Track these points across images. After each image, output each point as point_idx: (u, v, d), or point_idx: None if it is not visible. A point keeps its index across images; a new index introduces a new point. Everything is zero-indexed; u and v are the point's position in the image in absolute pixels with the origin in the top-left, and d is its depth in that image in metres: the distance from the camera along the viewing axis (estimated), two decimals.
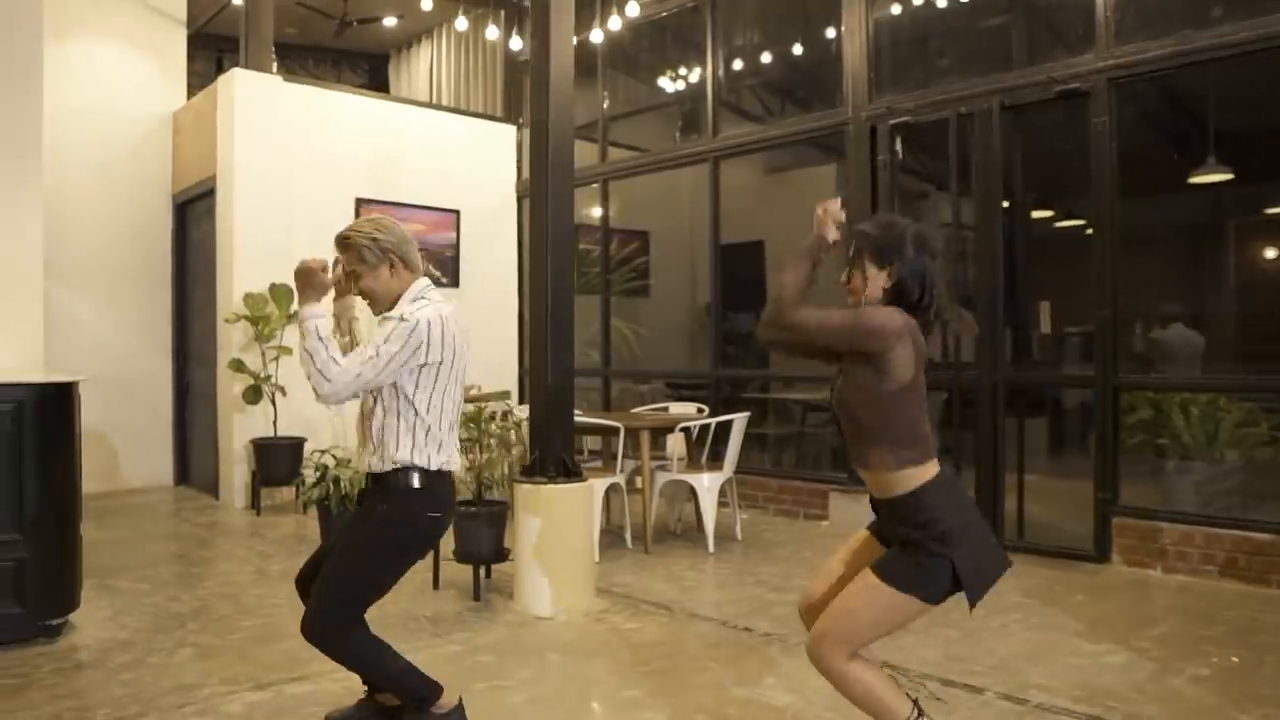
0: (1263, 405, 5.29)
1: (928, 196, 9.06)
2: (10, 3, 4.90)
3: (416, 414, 2.75)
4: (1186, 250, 7.83)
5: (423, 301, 2.81)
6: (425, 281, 2.89)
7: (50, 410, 3.90)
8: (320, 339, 2.68)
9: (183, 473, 8.12)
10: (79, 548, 4.09)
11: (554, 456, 4.40)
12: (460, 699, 2.93)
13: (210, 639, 3.91)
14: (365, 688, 3.03)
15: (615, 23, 7.01)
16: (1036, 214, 7.47)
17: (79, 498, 4.13)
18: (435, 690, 2.87)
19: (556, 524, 4.33)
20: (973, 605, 2.24)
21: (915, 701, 2.32)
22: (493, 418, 4.96)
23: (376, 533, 2.80)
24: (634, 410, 6.86)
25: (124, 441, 7.83)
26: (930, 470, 2.28)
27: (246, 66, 7.24)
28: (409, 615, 4.25)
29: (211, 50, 10.70)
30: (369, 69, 12.07)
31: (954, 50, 6.23)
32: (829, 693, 3.13)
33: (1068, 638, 3.89)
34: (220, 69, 10.92)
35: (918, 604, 2.25)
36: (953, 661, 3.59)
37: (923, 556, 2.23)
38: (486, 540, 4.58)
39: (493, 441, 4.84)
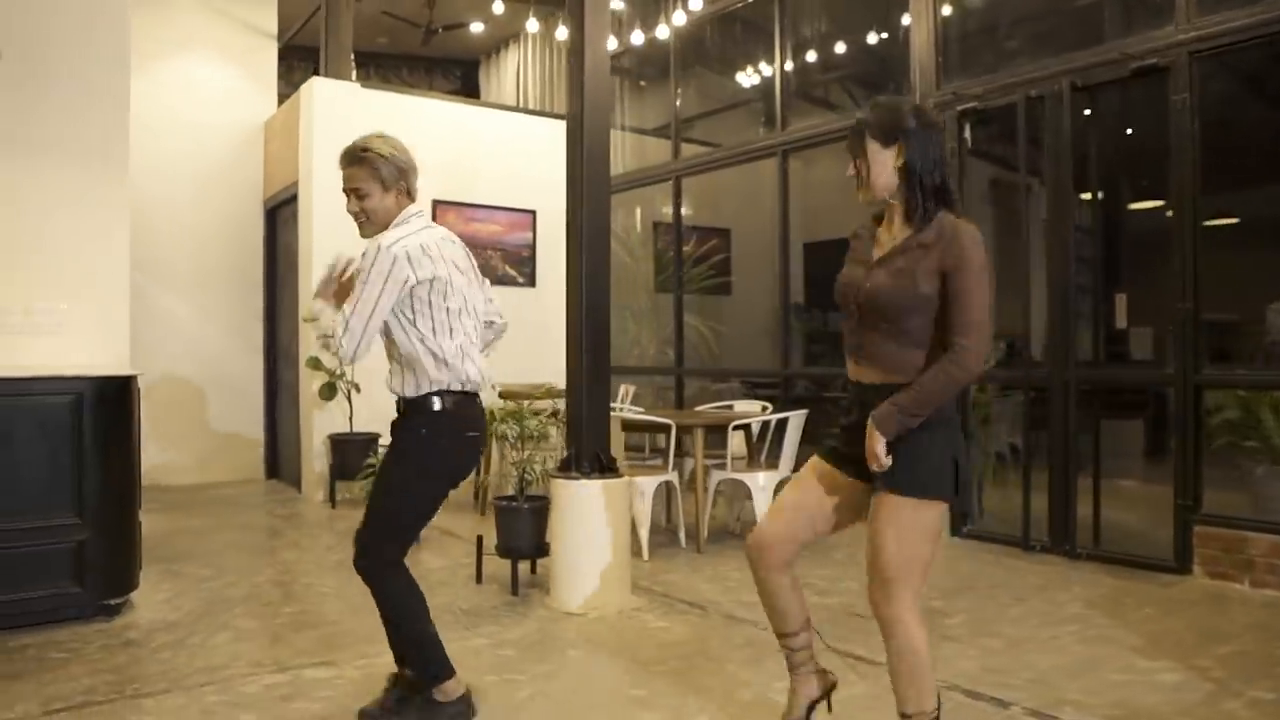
0: None
1: (1031, 190, 8.66)
2: (100, 33, 5.20)
3: (422, 339, 2.78)
4: None
5: (404, 227, 2.82)
6: (416, 208, 2.92)
7: (108, 402, 4.10)
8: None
9: (273, 467, 8.46)
10: (136, 532, 4.30)
11: (589, 453, 4.38)
12: (468, 690, 2.92)
13: (250, 623, 4.04)
14: (393, 671, 3.00)
15: (680, 18, 6.94)
16: (1134, 204, 7.04)
17: (137, 485, 4.34)
18: (447, 671, 2.88)
19: (591, 520, 4.30)
20: (964, 507, 2.26)
21: (940, 702, 2.31)
22: (536, 414, 4.96)
23: (402, 459, 2.86)
24: (697, 408, 6.77)
25: (219, 436, 8.22)
26: None
27: (325, 75, 7.49)
28: (446, 608, 4.29)
29: (309, 61, 11.16)
30: (461, 75, 12.37)
31: (1024, 30, 5.91)
32: (838, 700, 3.01)
33: (1121, 652, 3.62)
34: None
35: (942, 506, 2.24)
36: (988, 673, 3.38)
37: (929, 445, 2.19)
38: (527, 535, 4.60)
39: (534, 437, 4.84)
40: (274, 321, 8.43)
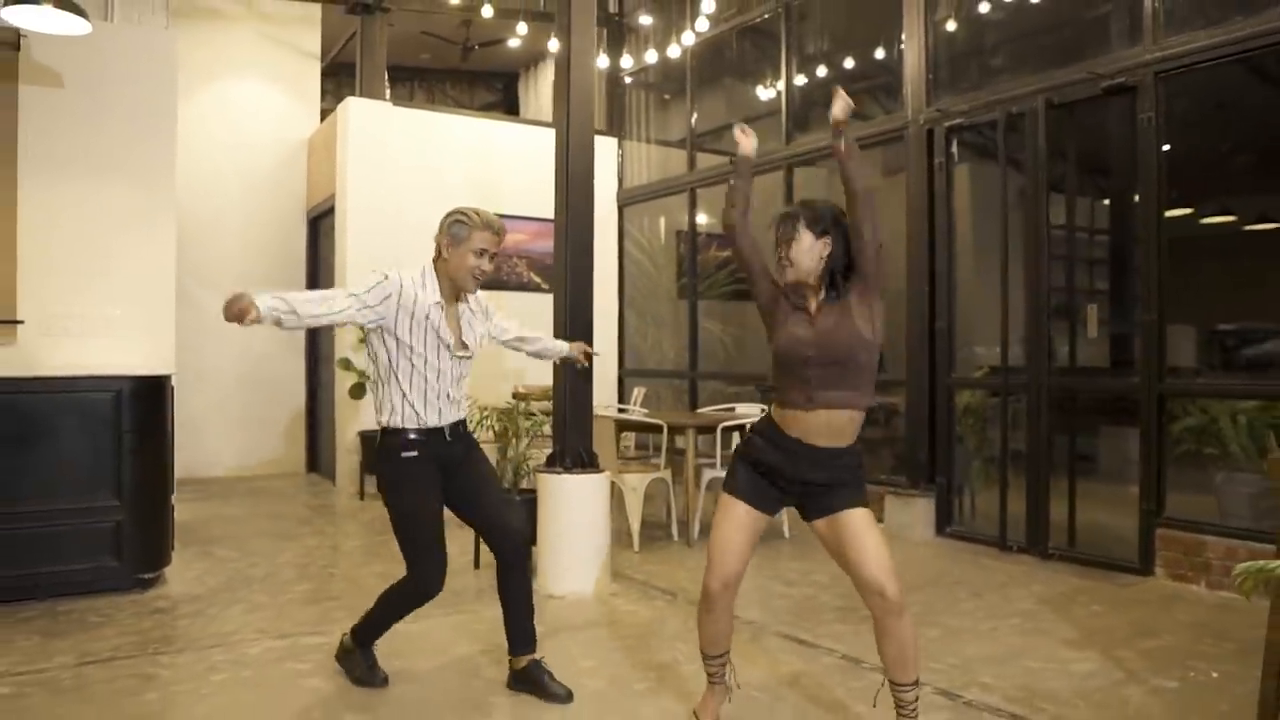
0: None
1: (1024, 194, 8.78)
2: (152, 67, 5.77)
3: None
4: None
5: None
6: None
7: (144, 399, 4.61)
8: None
9: (313, 461, 9.02)
10: (168, 515, 4.80)
11: (572, 449, 4.75)
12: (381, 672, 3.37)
13: (263, 598, 4.50)
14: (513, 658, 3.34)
15: (689, 38, 7.28)
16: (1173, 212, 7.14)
17: (170, 473, 4.85)
18: (372, 639, 3.38)
19: (574, 512, 4.68)
20: None
21: None
22: (530, 415, 5.33)
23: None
24: (699, 410, 7.09)
25: (263, 431, 8.80)
26: None
27: (361, 94, 8.00)
28: (449, 590, 4.66)
29: (351, 78, 11.75)
30: (502, 88, 12.84)
31: (1006, 49, 6.12)
32: (765, 678, 3.34)
33: (1049, 644, 3.87)
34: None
35: None
36: None
37: (858, 465, 2.67)
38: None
39: (526, 434, 5.22)
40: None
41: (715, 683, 2.89)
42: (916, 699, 2.64)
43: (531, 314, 8.62)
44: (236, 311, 2.76)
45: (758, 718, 3.08)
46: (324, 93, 9.54)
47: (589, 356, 4.12)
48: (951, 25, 6.22)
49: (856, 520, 2.59)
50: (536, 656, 3.31)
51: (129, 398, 4.55)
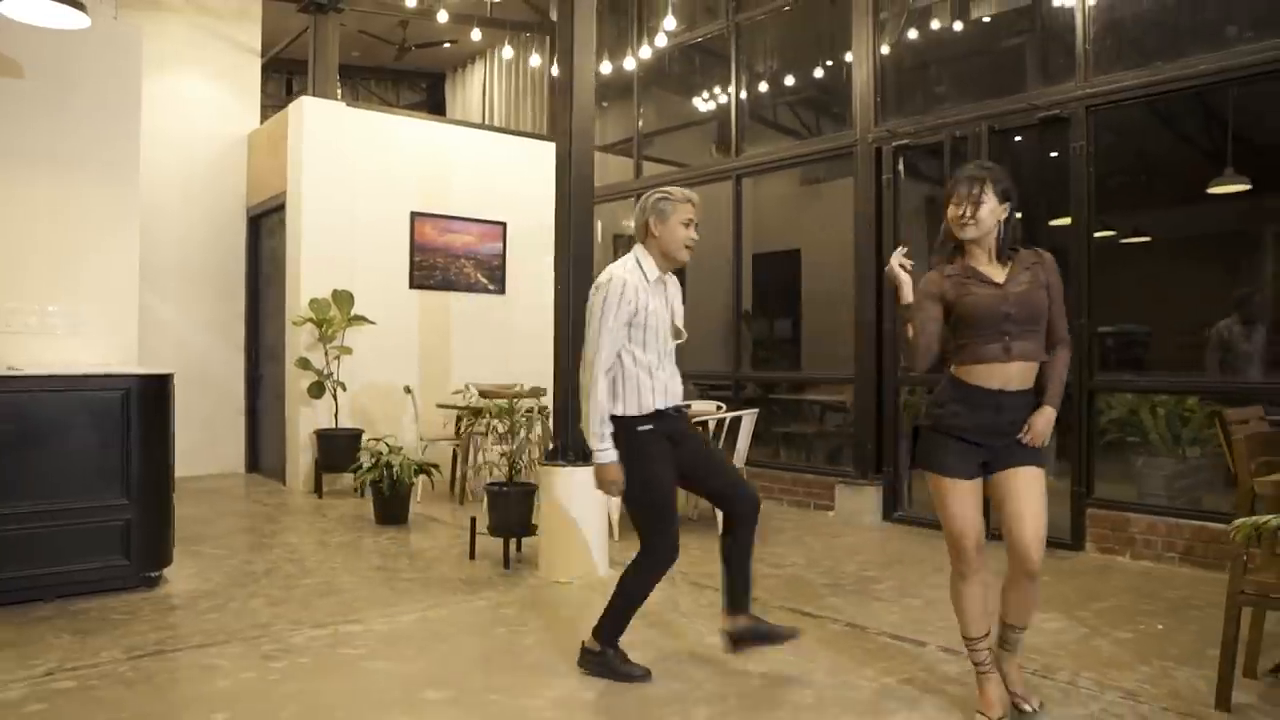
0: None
1: (935, 200, 9.48)
2: (116, 59, 5.72)
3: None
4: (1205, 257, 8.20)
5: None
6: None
7: (151, 397, 4.65)
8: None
9: (253, 460, 8.94)
10: (172, 513, 4.84)
11: (573, 444, 5.03)
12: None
13: (278, 592, 4.62)
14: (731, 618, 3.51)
15: (646, 52, 7.63)
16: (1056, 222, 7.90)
17: (173, 471, 4.88)
18: (620, 632, 3.49)
19: (576, 503, 4.96)
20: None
21: None
22: (529, 411, 5.58)
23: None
24: None
25: (202, 431, 8.67)
26: None
27: (314, 94, 8.03)
28: (447, 578, 4.92)
29: (282, 74, 11.63)
30: (426, 87, 12.90)
31: (950, 77, 6.72)
32: (789, 644, 3.71)
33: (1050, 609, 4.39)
34: (290, 91, 11.86)
35: None
36: (909, 623, 4.13)
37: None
38: (517, 516, 5.24)
39: (523, 431, 5.48)
40: (256, 322, 8.92)
41: (985, 671, 2.99)
42: (1020, 638, 3.02)
43: (479, 314, 8.88)
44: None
45: (797, 672, 3.46)
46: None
47: None
48: (898, 51, 6.77)
49: (1030, 478, 2.87)
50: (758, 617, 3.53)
51: (137, 396, 4.59)
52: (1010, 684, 3.01)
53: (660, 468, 3.33)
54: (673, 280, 3.56)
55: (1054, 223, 7.58)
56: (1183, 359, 5.84)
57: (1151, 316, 6.08)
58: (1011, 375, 2.88)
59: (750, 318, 8.70)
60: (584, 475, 4.95)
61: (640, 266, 3.41)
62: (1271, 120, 6.40)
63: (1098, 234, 5.64)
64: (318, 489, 7.62)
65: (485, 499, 5.37)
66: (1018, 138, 6.12)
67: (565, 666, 3.56)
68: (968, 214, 2.86)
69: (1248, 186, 7.40)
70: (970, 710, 3.07)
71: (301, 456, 7.83)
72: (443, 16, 7.89)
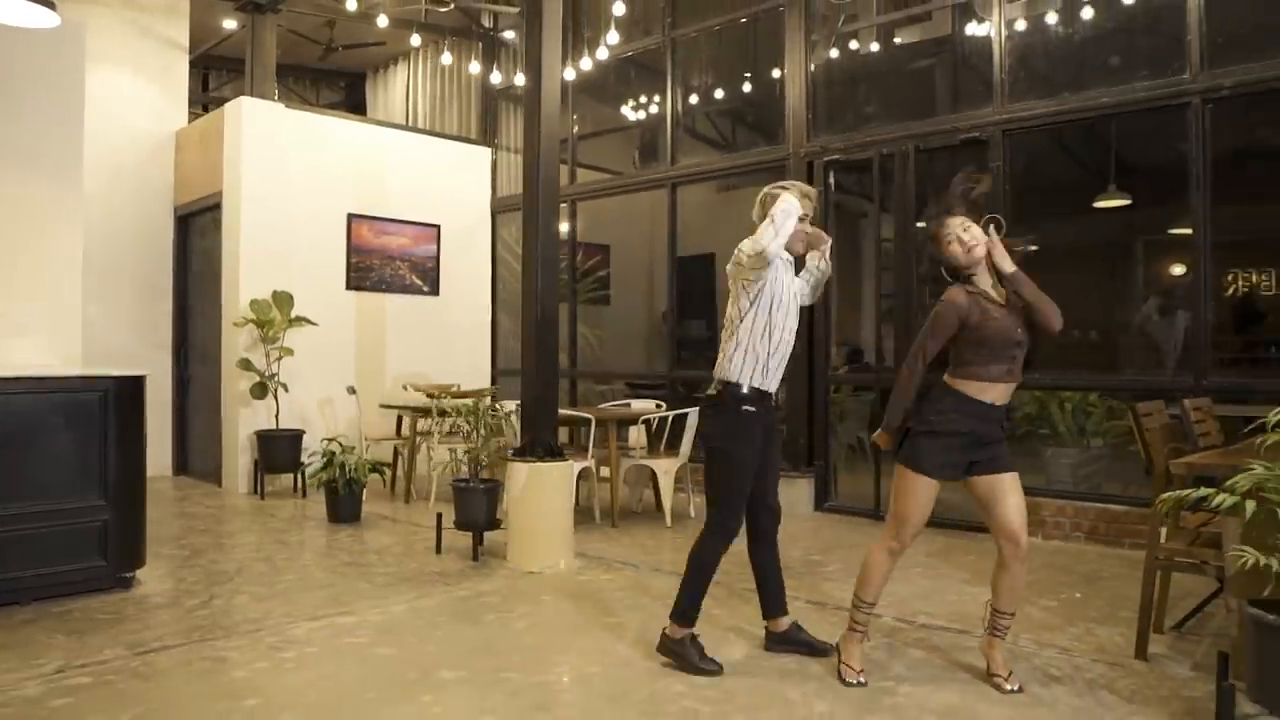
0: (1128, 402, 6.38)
1: (866, 215, 10.10)
2: (61, 58, 5.68)
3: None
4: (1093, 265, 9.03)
5: None
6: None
7: (126, 398, 4.71)
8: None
9: (181, 463, 8.83)
10: (145, 514, 4.89)
11: (541, 441, 5.30)
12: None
13: (261, 589, 4.74)
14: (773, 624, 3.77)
15: (587, 63, 7.91)
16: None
17: (145, 472, 4.93)
18: (692, 620, 3.58)
19: (544, 496, 5.23)
20: None
21: None
22: (490, 410, 5.80)
23: None
24: (600, 406, 7.75)
25: None
26: None
27: (252, 94, 8.02)
28: (421, 572, 5.12)
29: (198, 69, 11.41)
30: (345, 86, 12.83)
31: (879, 98, 7.25)
32: (760, 620, 4.06)
33: (953, 584, 4.89)
34: (206, 87, 11.67)
35: None
36: None
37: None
38: (482, 511, 5.46)
39: (484, 429, 5.69)
40: (185, 322, 8.81)
41: (861, 632, 3.46)
42: (1009, 625, 3.42)
43: (414, 316, 9.00)
44: None
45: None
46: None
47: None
48: (830, 71, 7.25)
49: (1012, 481, 3.32)
50: (794, 620, 3.79)
51: (114, 397, 4.64)
52: (996, 667, 3.40)
53: (742, 453, 3.50)
54: (787, 264, 3.67)
55: None
56: (1081, 358, 6.50)
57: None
58: (1005, 393, 3.31)
59: (671, 318, 9.08)
60: (551, 471, 5.23)
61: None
62: (1150, 146, 7.16)
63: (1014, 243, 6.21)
64: (258, 490, 7.63)
65: (451, 495, 5.57)
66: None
67: (564, 646, 3.84)
68: (969, 238, 3.27)
69: (1128, 202, 8.20)
70: (946, 665, 3.49)
71: (240, 458, 7.82)
72: (383, 21, 7.98)
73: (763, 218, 3.54)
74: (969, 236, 3.29)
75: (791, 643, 3.74)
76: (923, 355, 3.33)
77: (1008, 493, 3.30)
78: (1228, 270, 7.26)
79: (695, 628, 3.59)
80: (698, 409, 6.63)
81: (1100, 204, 8.12)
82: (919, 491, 3.31)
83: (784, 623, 3.77)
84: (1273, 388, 5.45)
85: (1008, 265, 3.27)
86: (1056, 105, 5.94)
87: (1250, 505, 2.66)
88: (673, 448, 6.76)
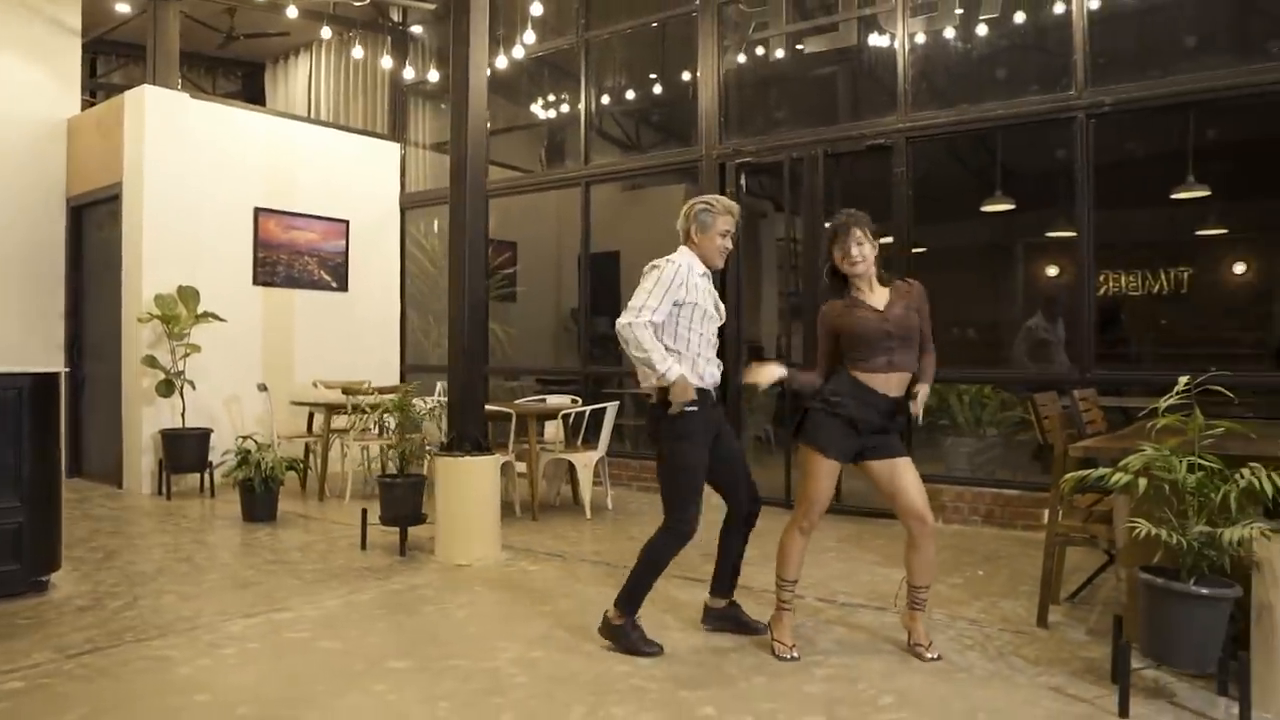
0: (1021, 395, 6.85)
1: (766, 215, 10.46)
2: None
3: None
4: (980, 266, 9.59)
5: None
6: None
7: (41, 396, 4.56)
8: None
9: (75, 464, 8.48)
10: (61, 515, 4.75)
11: (469, 435, 5.37)
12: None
13: (187, 588, 4.67)
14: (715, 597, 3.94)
15: (502, 61, 7.97)
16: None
17: (60, 472, 4.79)
18: (635, 609, 3.70)
19: (471, 489, 5.30)
20: None
21: None
22: (415, 406, 5.84)
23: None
24: (516, 401, 7.82)
25: None
26: None
27: (155, 83, 7.78)
28: (350, 567, 5.13)
29: (85, 53, 10.93)
30: (244, 76, 12.48)
31: (789, 103, 7.55)
32: (690, 604, 4.26)
33: (866, 565, 5.20)
34: (94, 72, 11.18)
35: None
36: None
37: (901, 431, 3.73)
38: (408, 506, 5.50)
39: (409, 425, 5.73)
40: (79, 318, 8.48)
41: (788, 609, 3.70)
42: (926, 598, 3.69)
43: (323, 312, 8.88)
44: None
45: (713, 631, 4.02)
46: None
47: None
48: (741, 75, 7.51)
49: (906, 464, 3.58)
50: (735, 600, 3.98)
51: (29, 395, 4.50)
52: (918, 638, 3.67)
53: (693, 454, 3.63)
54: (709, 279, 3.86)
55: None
56: (979, 354, 6.93)
57: (960, 315, 7.16)
58: (892, 384, 3.58)
59: (582, 315, 9.22)
60: (478, 465, 5.31)
61: (689, 262, 3.72)
62: (1033, 155, 7.68)
63: (915, 249, 6.60)
64: (164, 491, 7.42)
65: (377, 491, 5.59)
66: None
67: (506, 633, 3.95)
68: (856, 256, 3.55)
69: (1012, 206, 8.74)
70: (870, 639, 3.75)
71: (144, 458, 7.59)
72: (292, 12, 7.85)
73: (685, 230, 3.77)
74: (857, 253, 3.56)
75: (728, 619, 3.95)
76: (819, 356, 3.69)
77: (903, 475, 3.60)
78: (1099, 272, 7.85)
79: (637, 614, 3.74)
80: (613, 404, 6.79)
81: (987, 208, 8.63)
82: (821, 474, 3.60)
83: (723, 602, 3.98)
84: (1146, 379, 5.97)
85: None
86: (956, 115, 6.33)
87: (1142, 482, 2.98)
88: (590, 442, 6.90)
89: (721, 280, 7.22)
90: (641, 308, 3.60)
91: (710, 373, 3.78)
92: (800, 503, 3.68)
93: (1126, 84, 5.79)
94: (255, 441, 6.54)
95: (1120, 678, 3.01)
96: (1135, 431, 3.83)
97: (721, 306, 3.88)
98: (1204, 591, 2.86)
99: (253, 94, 12.30)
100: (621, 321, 3.60)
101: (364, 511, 5.66)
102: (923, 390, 3.64)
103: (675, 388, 3.55)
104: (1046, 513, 5.83)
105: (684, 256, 3.75)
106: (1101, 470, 3.16)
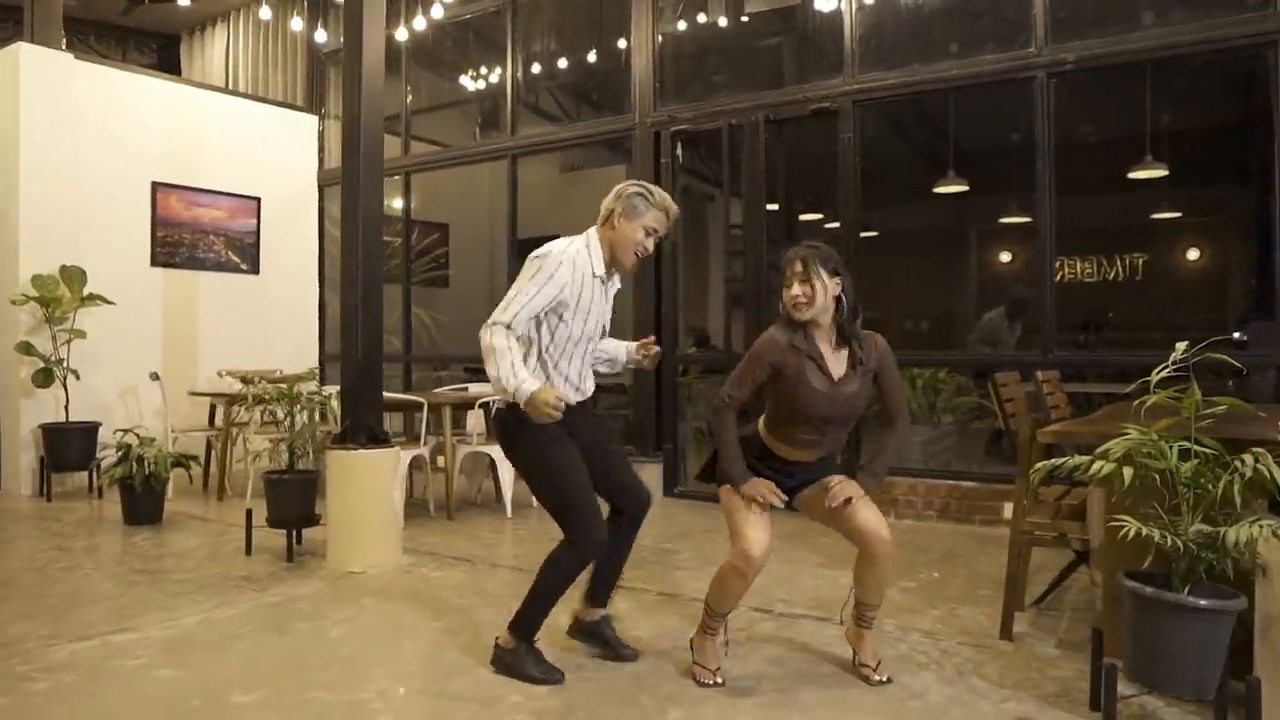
0: (978, 381, 6.39)
1: (713, 199, 9.92)
2: None
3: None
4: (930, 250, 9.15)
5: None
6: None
7: None
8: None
9: None
10: None
11: (364, 426, 4.75)
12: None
13: (24, 604, 4.01)
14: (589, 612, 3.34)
15: (420, 22, 7.34)
16: (805, 216, 8.45)
17: None
18: (532, 634, 3.15)
19: (367, 486, 4.69)
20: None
21: None
22: (313, 395, 5.20)
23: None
24: (436, 390, 7.21)
25: None
26: None
27: (33, 42, 7.03)
28: (225, 577, 4.49)
29: None
30: (158, 49, 11.67)
31: (728, 68, 7.02)
32: (653, 637, 3.70)
33: (810, 568, 4.67)
34: None
35: None
36: None
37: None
38: (298, 506, 4.88)
39: (303, 416, 5.09)
40: None
41: (713, 634, 3.12)
42: (875, 615, 3.16)
43: (231, 296, 8.18)
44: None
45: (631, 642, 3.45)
46: None
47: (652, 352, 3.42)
48: (677, 39, 6.95)
49: (842, 482, 2.97)
50: (608, 614, 3.37)
51: None
52: (864, 657, 3.12)
53: (562, 457, 3.05)
54: (615, 282, 3.25)
55: (804, 217, 8.16)
56: (932, 337, 6.46)
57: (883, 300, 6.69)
58: (814, 455, 3.03)
59: None
60: (375, 459, 4.70)
61: (589, 255, 3.10)
62: (987, 128, 7.24)
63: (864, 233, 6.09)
64: (44, 491, 6.70)
65: (264, 489, 4.96)
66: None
67: (384, 656, 3.36)
68: (801, 295, 2.82)
69: (965, 188, 8.32)
70: (809, 658, 3.21)
71: (22, 455, 6.86)
72: None
73: (610, 211, 3.12)
74: (799, 292, 2.84)
75: (596, 637, 3.35)
76: (732, 402, 2.95)
77: (826, 512, 3.04)
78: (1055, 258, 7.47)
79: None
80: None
81: (940, 189, 8.21)
82: (748, 518, 2.97)
83: (598, 614, 3.37)
84: (1118, 360, 5.54)
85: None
86: (907, 76, 5.83)
87: (1128, 472, 2.47)
88: None
89: (655, 264, 6.67)
90: (502, 318, 2.98)
91: (584, 387, 3.23)
92: (737, 550, 2.99)
93: (1090, 39, 5.32)
94: (137, 436, 5.86)
95: (1105, 706, 2.49)
96: (1111, 413, 3.34)
97: (606, 325, 3.26)
98: (1203, 604, 2.36)
99: (169, 66, 11.48)
100: (488, 320, 3.00)
101: (249, 513, 5.02)
102: (851, 486, 2.97)
103: (534, 402, 2.90)
104: (1008, 506, 5.38)
105: (581, 246, 3.11)
106: (1078, 459, 2.64)
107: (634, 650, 3.32)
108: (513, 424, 3.07)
